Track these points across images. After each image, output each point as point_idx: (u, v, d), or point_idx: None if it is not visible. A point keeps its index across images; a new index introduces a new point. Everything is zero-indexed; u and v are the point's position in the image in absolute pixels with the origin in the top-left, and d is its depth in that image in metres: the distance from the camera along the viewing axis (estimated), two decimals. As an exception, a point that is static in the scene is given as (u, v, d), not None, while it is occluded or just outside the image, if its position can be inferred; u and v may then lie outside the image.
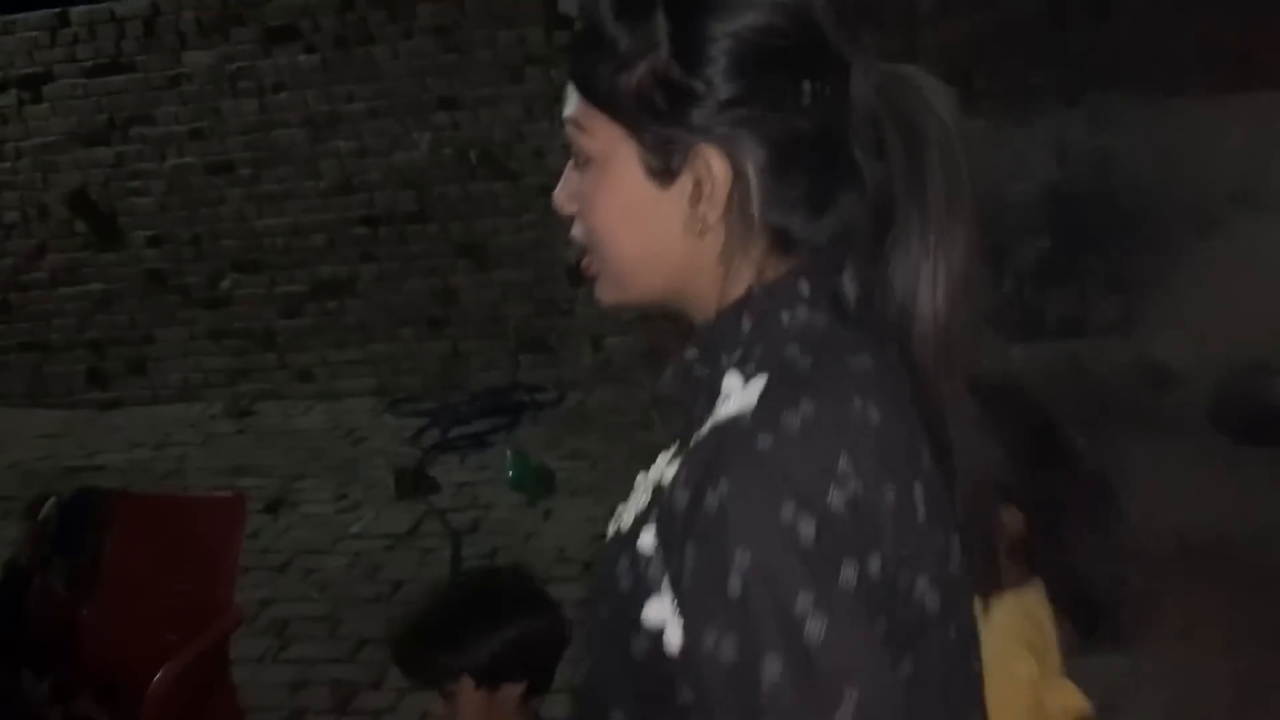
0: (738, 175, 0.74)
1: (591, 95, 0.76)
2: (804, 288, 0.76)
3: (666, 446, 0.81)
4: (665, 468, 0.77)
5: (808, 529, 0.65)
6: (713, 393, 0.74)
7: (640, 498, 0.79)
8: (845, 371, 0.73)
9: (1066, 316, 4.93)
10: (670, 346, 0.83)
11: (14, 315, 6.15)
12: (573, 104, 0.79)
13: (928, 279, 0.75)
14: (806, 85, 0.74)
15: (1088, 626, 1.39)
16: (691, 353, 0.79)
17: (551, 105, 5.25)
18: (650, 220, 0.77)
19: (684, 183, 0.75)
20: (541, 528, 3.98)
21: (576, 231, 0.83)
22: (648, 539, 0.72)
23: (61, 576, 2.16)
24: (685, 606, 0.68)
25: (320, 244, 5.70)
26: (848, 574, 0.66)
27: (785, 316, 0.75)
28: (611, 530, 0.81)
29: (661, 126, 0.74)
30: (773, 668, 0.64)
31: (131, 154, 5.79)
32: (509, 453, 4.49)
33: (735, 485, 0.66)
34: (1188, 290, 4.64)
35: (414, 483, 4.43)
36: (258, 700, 2.74)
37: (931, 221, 0.75)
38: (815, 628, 0.64)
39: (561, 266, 5.43)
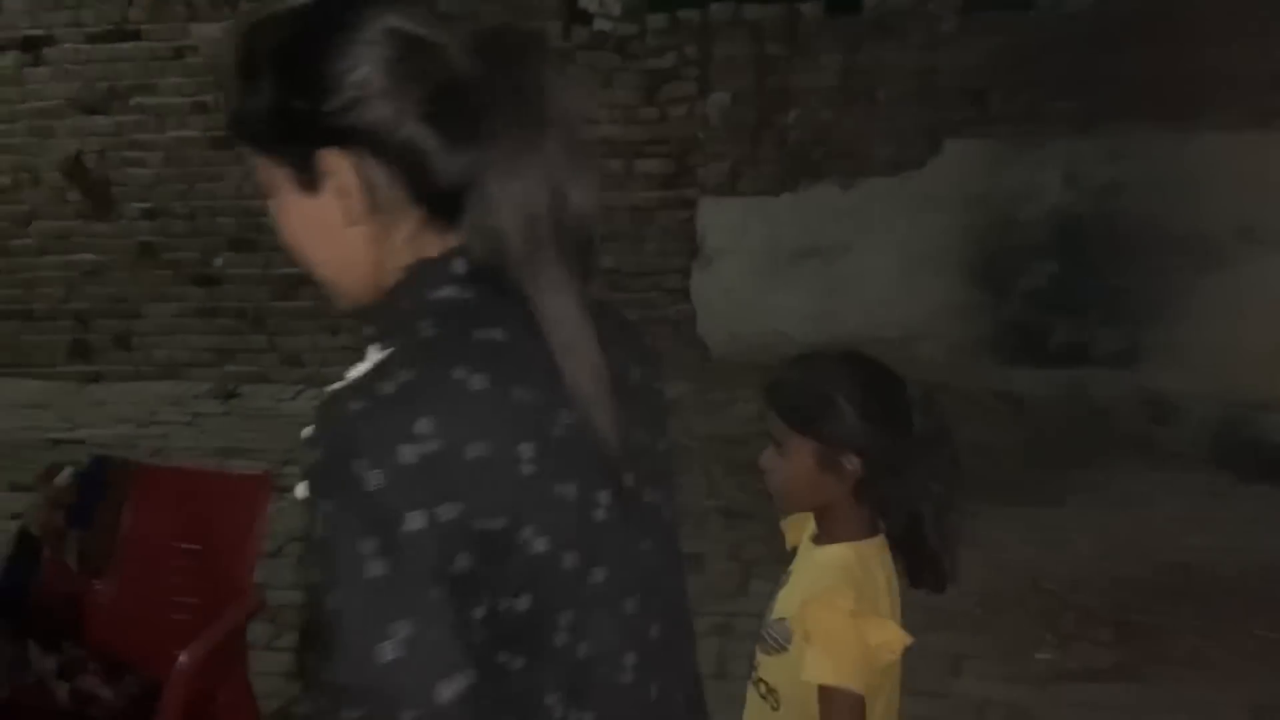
0: (358, 167, 0.84)
1: (241, 136, 0.88)
2: (458, 265, 0.86)
3: None
4: None
5: (375, 481, 0.74)
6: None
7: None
8: (464, 343, 0.82)
9: (1070, 343, 4.94)
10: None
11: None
12: (243, 150, 0.89)
13: (515, 227, 0.84)
14: (396, 85, 0.83)
15: (914, 571, 1.50)
16: (367, 330, 0.89)
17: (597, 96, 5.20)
18: (318, 226, 0.87)
19: (327, 187, 0.85)
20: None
21: (295, 259, 0.92)
22: (301, 488, 0.80)
23: (75, 550, 2.09)
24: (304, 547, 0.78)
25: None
26: (414, 522, 0.75)
27: (431, 293, 0.85)
28: None
29: (288, 146, 0.85)
30: (335, 600, 0.75)
31: (130, 124, 5.68)
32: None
33: (324, 444, 0.77)
34: (1192, 323, 4.67)
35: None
36: (255, 688, 2.66)
37: (515, 162, 0.83)
38: (375, 568, 0.74)
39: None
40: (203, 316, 5.83)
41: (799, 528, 1.61)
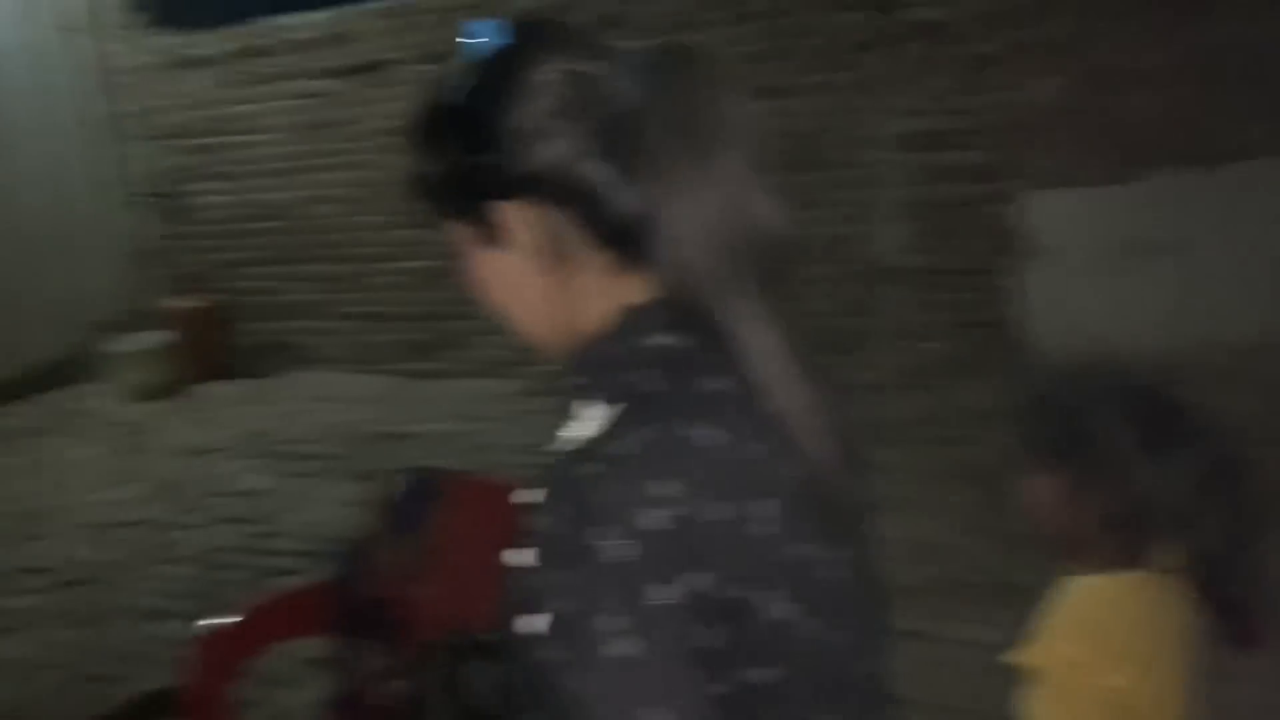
0: (538, 216, 0.84)
1: (425, 201, 0.91)
2: (665, 311, 0.82)
3: None
4: None
5: (616, 551, 0.70)
6: (571, 416, 0.83)
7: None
8: (694, 396, 0.78)
9: None
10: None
11: (352, 285, 6.63)
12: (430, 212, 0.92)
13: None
14: (566, 125, 0.83)
15: (1217, 622, 1.33)
16: (573, 378, 0.86)
17: (881, 94, 4.99)
18: (510, 281, 0.88)
19: (512, 241, 0.86)
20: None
21: (492, 314, 0.94)
22: (526, 556, 0.77)
23: (397, 553, 2.19)
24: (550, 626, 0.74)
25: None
26: (660, 593, 0.70)
27: (644, 341, 0.82)
28: None
29: (466, 204, 0.87)
30: (580, 684, 0.69)
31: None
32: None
33: (556, 511, 0.74)
34: None
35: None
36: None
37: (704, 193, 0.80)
38: (624, 647, 0.69)
39: (870, 265, 5.17)
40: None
41: None
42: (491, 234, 0.87)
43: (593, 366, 0.85)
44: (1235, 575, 1.30)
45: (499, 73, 0.86)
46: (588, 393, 0.84)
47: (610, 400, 0.81)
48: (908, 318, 5.14)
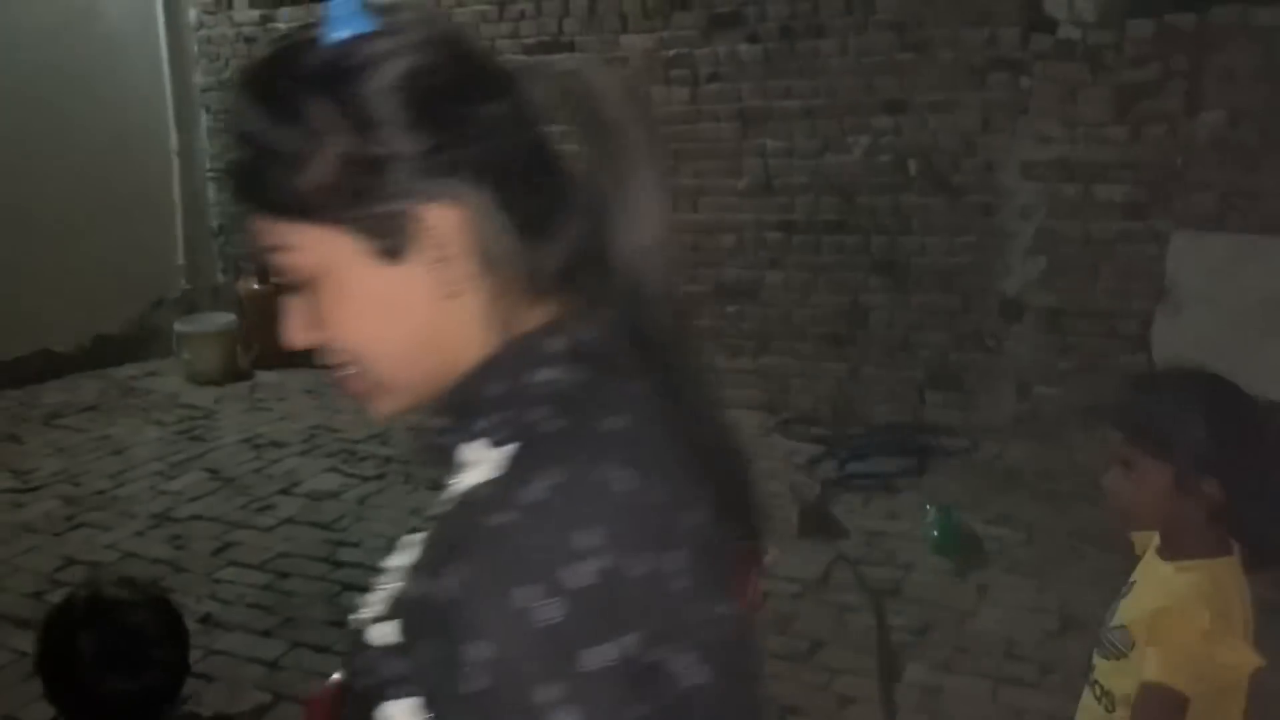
0: (463, 222, 0.70)
1: (281, 211, 0.71)
2: (557, 342, 0.72)
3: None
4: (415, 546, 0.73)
5: (546, 613, 0.61)
6: (457, 462, 0.72)
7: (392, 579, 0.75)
8: (598, 434, 0.69)
9: None
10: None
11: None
12: (265, 231, 0.72)
13: (648, 267, 0.73)
14: (483, 111, 0.71)
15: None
16: (439, 420, 0.74)
17: (1015, 116, 4.63)
18: (402, 305, 0.72)
19: (417, 252, 0.70)
20: (978, 607, 3.40)
21: (334, 358, 0.74)
22: (388, 629, 0.69)
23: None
24: (430, 705, 0.65)
25: (729, 245, 5.41)
26: (595, 657, 0.62)
27: (537, 375, 0.71)
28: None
29: (367, 206, 0.69)
30: None
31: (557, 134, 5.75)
32: (929, 507, 3.93)
33: (468, 570, 0.63)
34: None
35: (819, 521, 3.98)
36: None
37: (633, 204, 0.73)
38: (564, 714, 0.60)
39: (995, 297, 4.81)
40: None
41: (1145, 537, 1.61)
42: (387, 246, 0.70)
43: (472, 404, 0.72)
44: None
45: (445, 63, 0.71)
46: (462, 435, 0.72)
47: (498, 441, 0.70)
48: (1030, 358, 4.77)
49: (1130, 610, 1.52)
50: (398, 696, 0.68)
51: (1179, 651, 1.39)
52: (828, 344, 5.26)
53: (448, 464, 0.73)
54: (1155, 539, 1.56)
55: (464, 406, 0.73)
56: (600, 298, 0.74)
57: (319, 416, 5.43)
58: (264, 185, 0.71)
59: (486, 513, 0.65)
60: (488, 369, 0.72)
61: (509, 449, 0.69)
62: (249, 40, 6.55)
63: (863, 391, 5.21)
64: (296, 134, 0.69)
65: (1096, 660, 1.56)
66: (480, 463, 0.70)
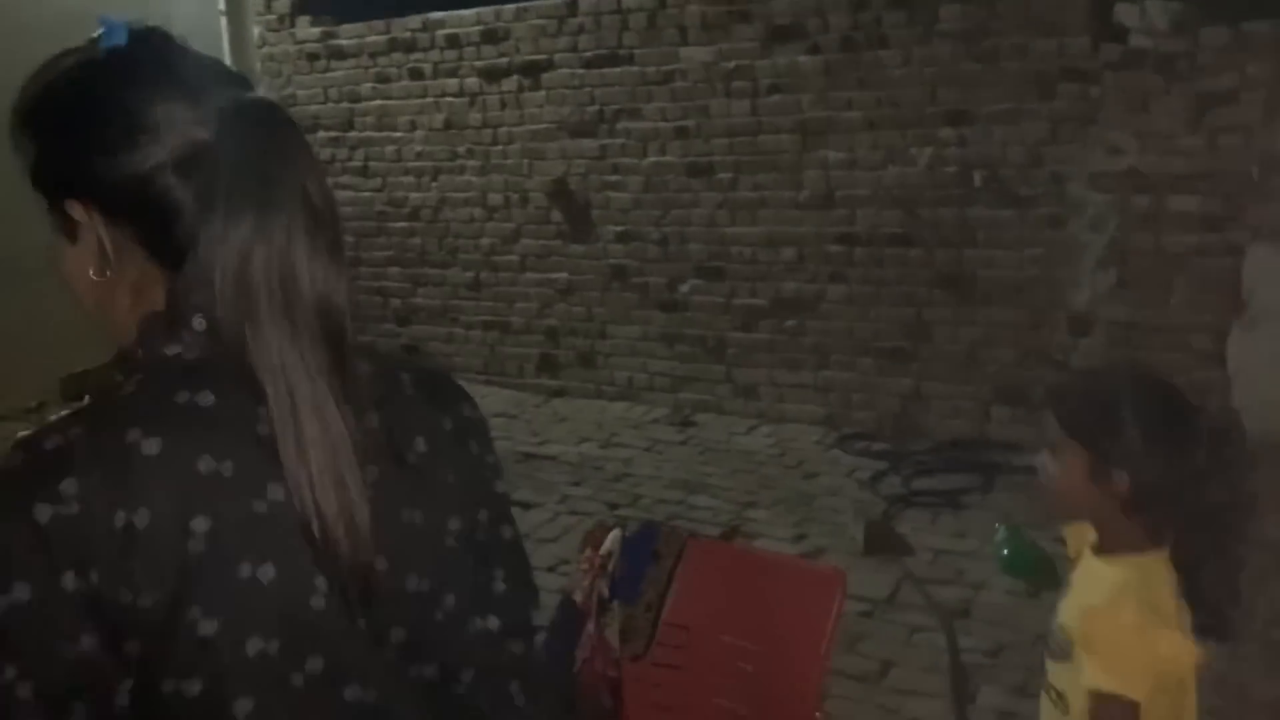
0: (104, 221, 0.87)
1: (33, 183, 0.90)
2: (196, 322, 0.83)
3: None
4: None
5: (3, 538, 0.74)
6: None
7: None
8: (155, 405, 0.80)
9: None
10: None
11: (482, 294, 6.37)
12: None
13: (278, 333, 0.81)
14: (108, 133, 0.86)
15: (1194, 613, 1.45)
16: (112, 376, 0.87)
17: (1084, 127, 4.54)
18: (75, 274, 0.90)
19: (81, 236, 0.88)
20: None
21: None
22: None
23: (617, 626, 1.84)
24: None
25: (789, 258, 5.36)
26: (24, 588, 0.73)
27: (159, 348, 0.84)
28: None
29: (44, 194, 0.90)
30: None
31: (614, 147, 5.76)
32: (999, 526, 3.84)
33: None
34: None
35: (885, 539, 3.91)
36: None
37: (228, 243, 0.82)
38: None
39: (1064, 311, 4.71)
40: (664, 341, 5.79)
41: (1080, 535, 1.62)
42: (65, 227, 0.89)
43: (120, 368, 0.87)
44: (1216, 570, 1.44)
45: (109, 76, 0.87)
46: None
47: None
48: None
49: (1067, 610, 1.54)
50: None
51: (1112, 651, 1.41)
52: (890, 359, 5.19)
53: None
54: (1093, 536, 1.58)
55: (121, 369, 0.88)
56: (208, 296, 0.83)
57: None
58: (22, 153, 0.90)
59: (14, 449, 0.78)
60: (136, 340, 0.87)
61: (80, 404, 0.83)
62: (311, 57, 6.63)
63: (926, 407, 5.13)
64: (25, 121, 0.90)
65: (1047, 662, 1.58)
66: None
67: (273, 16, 6.77)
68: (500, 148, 6.13)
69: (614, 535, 1.96)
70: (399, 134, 6.45)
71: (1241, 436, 1.55)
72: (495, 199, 6.21)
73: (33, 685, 0.73)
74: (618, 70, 5.68)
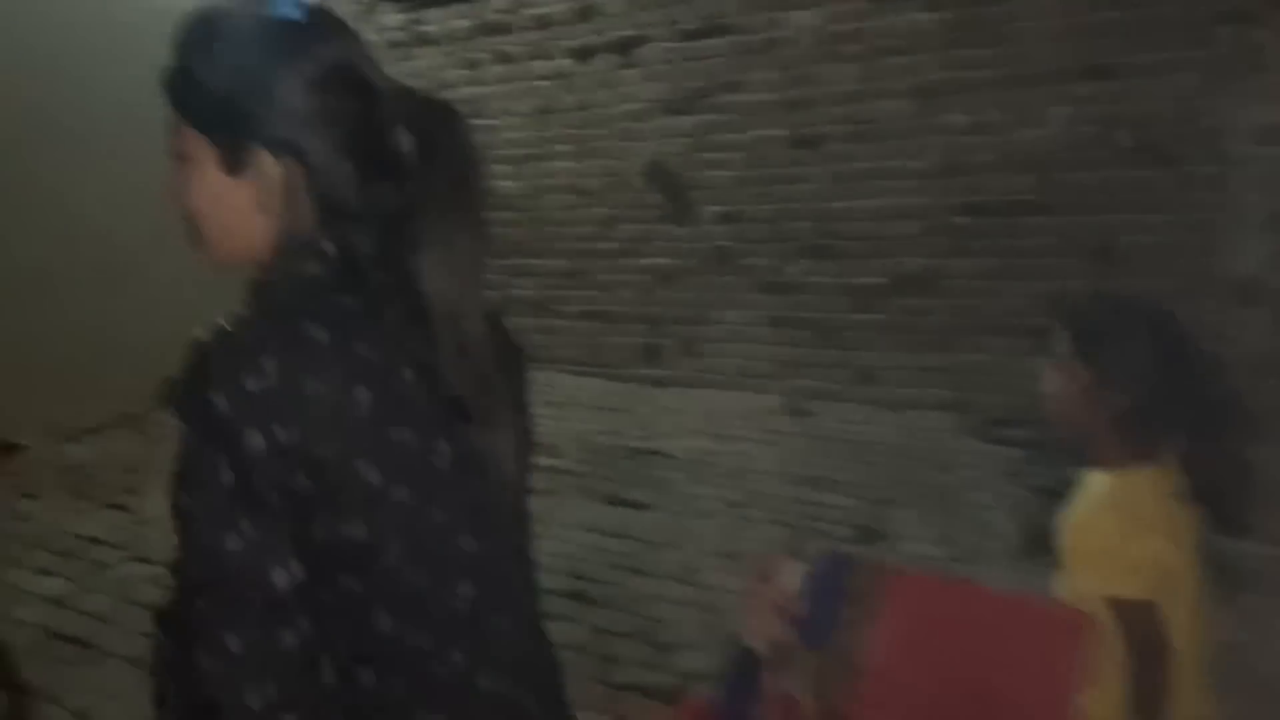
0: (289, 171, 0.99)
1: (181, 110, 1.01)
2: (321, 245, 0.99)
3: None
4: None
5: (222, 406, 0.88)
6: None
7: None
8: (314, 304, 0.96)
9: None
10: None
11: (580, 282, 6.13)
12: (172, 122, 1.02)
13: (436, 262, 0.99)
14: (344, 106, 1.00)
15: (1212, 513, 1.49)
16: (249, 292, 1.02)
17: (1244, 76, 4.09)
18: (228, 204, 1.00)
19: (250, 175, 0.99)
20: (1235, 633, 2.94)
21: (182, 214, 1.03)
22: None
23: (808, 677, 1.56)
24: None
25: (908, 232, 5.00)
26: (254, 439, 0.88)
27: (299, 267, 0.98)
28: None
29: (228, 136, 0.99)
30: (187, 502, 0.90)
31: (715, 123, 5.46)
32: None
33: (186, 378, 0.91)
34: None
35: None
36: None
37: (439, 219, 1.00)
38: (223, 476, 0.88)
39: (1224, 280, 4.27)
40: (773, 326, 5.49)
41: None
42: (234, 164, 0.99)
43: (257, 286, 1.01)
44: (1225, 469, 1.46)
45: (302, 42, 0.99)
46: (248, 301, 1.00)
47: (248, 304, 0.99)
48: (1267, 347, 4.22)
49: (1064, 521, 1.60)
50: None
51: (1100, 558, 1.46)
52: (1025, 337, 4.80)
53: None
54: None
55: (257, 286, 1.01)
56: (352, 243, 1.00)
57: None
58: (181, 89, 1.00)
59: (210, 344, 0.91)
60: (268, 266, 1.00)
61: (248, 309, 0.97)
62: (396, 45, 6.45)
63: (1065, 388, 4.73)
64: (209, 73, 0.98)
65: (1056, 573, 1.61)
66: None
67: (357, 6, 6.59)
68: (596, 130, 5.87)
69: (794, 568, 1.68)
70: (489, 121, 6.23)
71: (1231, 372, 1.55)
72: (591, 183, 5.96)
73: (260, 520, 0.89)
74: (717, 41, 5.37)
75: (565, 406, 5.62)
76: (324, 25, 1.00)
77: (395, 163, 1.00)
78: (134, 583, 3.81)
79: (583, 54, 5.80)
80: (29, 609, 3.66)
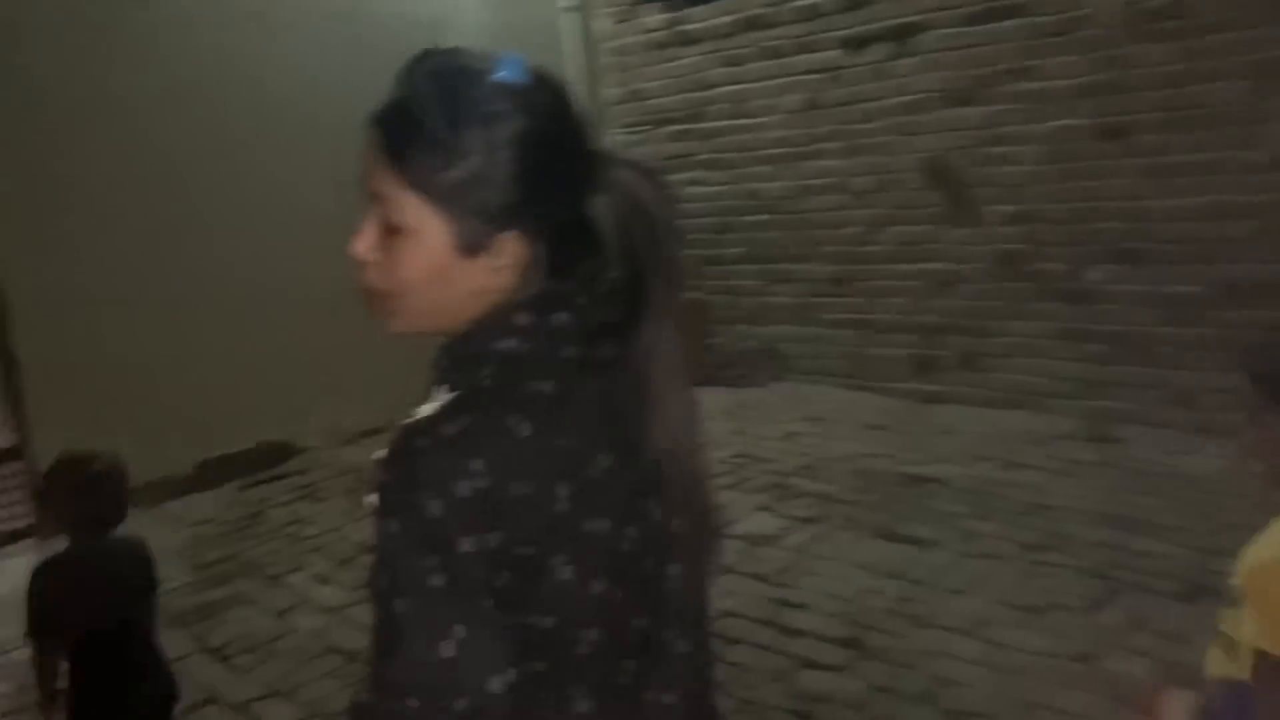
0: (519, 254, 0.95)
1: (413, 179, 0.92)
2: (521, 319, 0.95)
3: None
4: None
5: (434, 509, 0.86)
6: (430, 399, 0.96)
7: None
8: (516, 394, 0.93)
9: None
10: None
11: (847, 289, 5.77)
12: (383, 179, 0.93)
13: (658, 333, 0.98)
14: (575, 180, 0.97)
15: None
16: (440, 366, 0.99)
17: None
18: (451, 282, 0.95)
19: (485, 259, 0.95)
20: None
21: (377, 279, 0.97)
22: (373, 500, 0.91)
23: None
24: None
25: (1238, 234, 4.31)
26: (466, 545, 0.87)
27: (496, 344, 0.95)
28: None
29: (471, 217, 0.93)
30: (400, 606, 0.87)
31: (1004, 114, 4.94)
32: None
33: (393, 473, 0.89)
34: None
35: None
36: None
37: (664, 286, 0.98)
38: (435, 580, 0.86)
39: None
40: (1069, 339, 4.91)
41: None
42: (474, 247, 0.94)
43: (454, 358, 0.97)
44: None
45: (568, 130, 0.97)
46: (440, 380, 0.97)
47: (454, 388, 0.95)
48: None
49: (1244, 559, 1.47)
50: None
51: (1273, 609, 1.36)
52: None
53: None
54: None
55: (449, 358, 0.98)
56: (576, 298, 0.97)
57: (741, 444, 5.01)
58: (415, 155, 0.92)
59: (413, 437, 0.90)
60: (466, 338, 0.97)
61: (451, 396, 0.94)
62: (659, 46, 6.31)
63: None
64: (456, 144, 0.91)
65: (1223, 609, 1.50)
66: (436, 400, 0.94)
67: (619, 7, 6.51)
68: (867, 125, 5.48)
69: (1183, 700, 1.34)
70: (752, 120, 5.97)
71: None
72: (861, 183, 5.58)
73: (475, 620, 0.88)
74: (1007, 24, 4.86)
75: (828, 423, 5.28)
76: (560, 93, 0.97)
77: (596, 231, 0.97)
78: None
79: (855, 44, 5.43)
80: (307, 617, 3.75)
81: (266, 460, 5.35)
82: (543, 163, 0.92)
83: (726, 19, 5.99)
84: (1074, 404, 4.89)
